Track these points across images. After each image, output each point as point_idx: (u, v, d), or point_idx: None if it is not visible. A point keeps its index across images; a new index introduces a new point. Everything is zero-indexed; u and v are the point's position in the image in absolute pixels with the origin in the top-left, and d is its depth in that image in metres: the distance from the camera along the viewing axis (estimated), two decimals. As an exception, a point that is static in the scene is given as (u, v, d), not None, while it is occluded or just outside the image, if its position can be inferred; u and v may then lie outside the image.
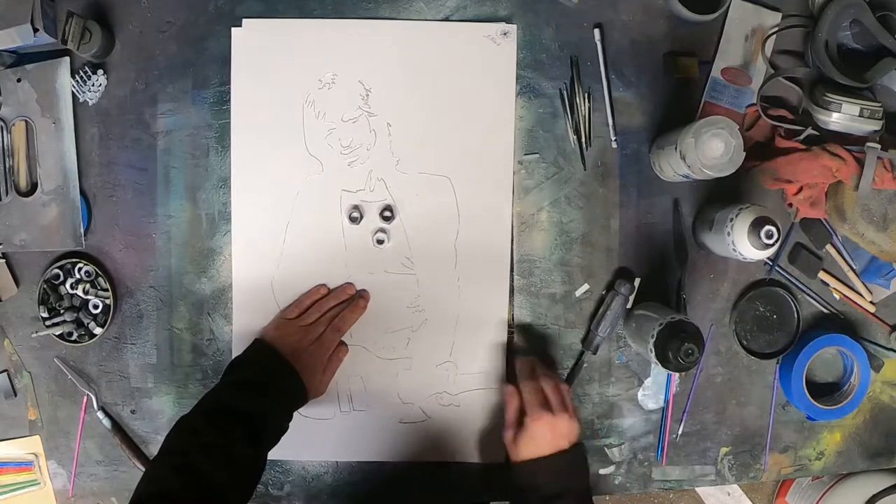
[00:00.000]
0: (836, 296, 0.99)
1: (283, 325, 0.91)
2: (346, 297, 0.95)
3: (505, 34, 0.96)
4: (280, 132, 0.96)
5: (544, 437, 0.84)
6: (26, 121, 0.95)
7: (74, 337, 0.96)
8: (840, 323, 1.00)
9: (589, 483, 0.87)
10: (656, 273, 0.97)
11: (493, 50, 0.96)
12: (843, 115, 0.91)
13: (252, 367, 0.86)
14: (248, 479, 0.81)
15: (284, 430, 0.86)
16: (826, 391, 1.00)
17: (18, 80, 0.95)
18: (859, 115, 0.90)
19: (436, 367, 0.96)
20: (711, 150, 0.83)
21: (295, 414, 0.87)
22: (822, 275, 0.98)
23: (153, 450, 0.98)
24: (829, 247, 0.98)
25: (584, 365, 0.97)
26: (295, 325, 0.91)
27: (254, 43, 0.96)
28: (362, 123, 0.96)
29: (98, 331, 0.96)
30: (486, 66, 0.96)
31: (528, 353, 0.97)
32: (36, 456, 0.99)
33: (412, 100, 0.96)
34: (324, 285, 0.96)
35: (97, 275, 0.96)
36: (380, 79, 0.96)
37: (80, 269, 0.96)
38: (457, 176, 0.96)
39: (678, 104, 0.97)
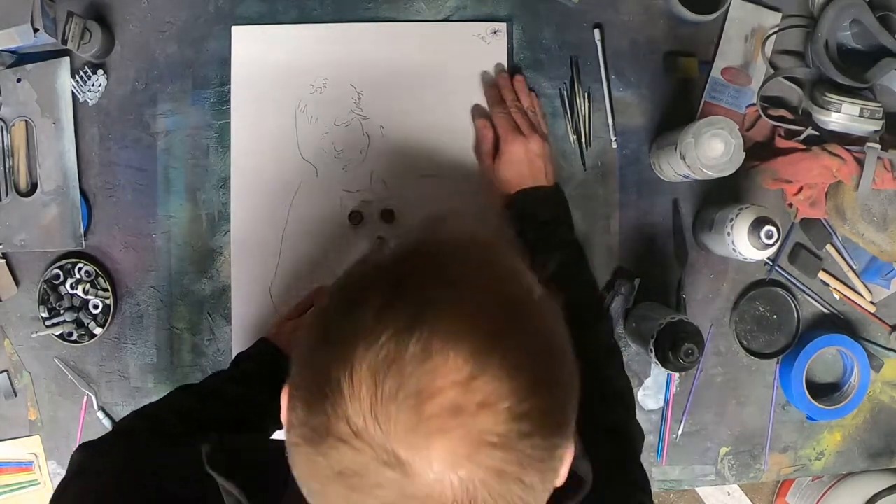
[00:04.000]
0: (836, 296, 0.99)
1: (286, 324, 0.91)
2: None
3: (495, 33, 0.96)
4: (275, 138, 0.96)
5: (520, 158, 0.89)
6: (26, 121, 0.95)
7: (74, 337, 0.96)
8: (840, 323, 1.00)
9: (572, 221, 0.92)
10: (656, 273, 0.97)
11: (484, 49, 0.96)
12: (843, 115, 0.91)
13: (254, 363, 0.86)
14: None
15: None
16: (826, 391, 1.00)
17: (18, 80, 0.94)
18: (859, 115, 0.90)
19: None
20: (711, 150, 0.83)
21: None
22: (822, 275, 0.98)
23: (153, 450, 0.98)
24: (829, 247, 0.98)
25: (584, 365, 0.97)
26: (298, 323, 0.90)
27: (250, 46, 0.96)
28: (355, 127, 0.96)
29: (98, 331, 0.96)
30: (476, 65, 0.96)
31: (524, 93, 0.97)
32: (36, 456, 0.99)
33: (404, 101, 0.96)
34: (326, 286, 0.96)
35: (97, 275, 0.96)
36: (371, 82, 0.96)
37: (80, 269, 0.96)
38: (451, 176, 0.96)
39: (678, 104, 0.97)
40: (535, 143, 0.89)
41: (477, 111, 0.96)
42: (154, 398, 0.97)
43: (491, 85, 0.96)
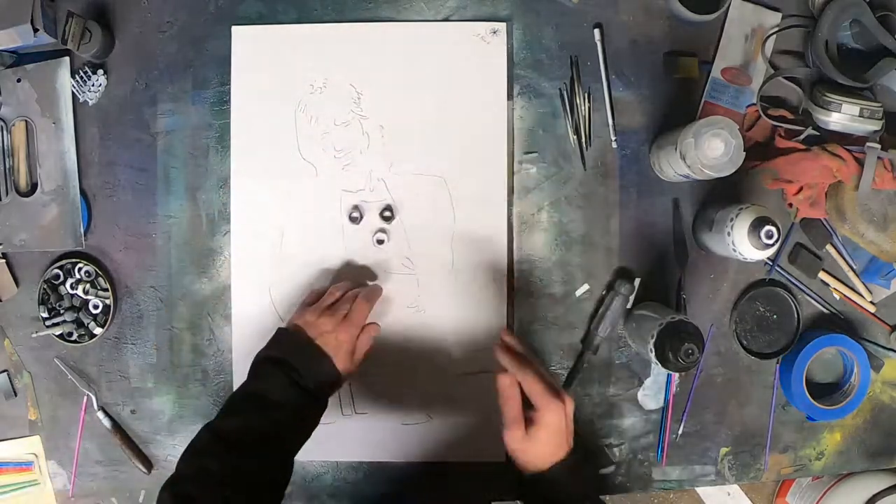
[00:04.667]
0: (836, 296, 0.99)
1: (304, 311, 0.88)
2: (357, 287, 0.93)
3: (495, 32, 0.96)
4: (275, 138, 0.96)
5: (558, 429, 0.77)
6: (26, 121, 0.95)
7: (74, 337, 0.97)
8: (840, 323, 1.00)
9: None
10: (656, 273, 0.97)
11: (484, 49, 0.96)
12: (843, 115, 0.91)
13: (267, 381, 0.81)
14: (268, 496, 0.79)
15: (316, 422, 0.83)
16: (826, 391, 0.99)
17: (18, 80, 0.95)
18: (859, 115, 0.90)
19: (437, 367, 0.96)
20: (711, 150, 0.83)
21: None
22: (822, 275, 0.98)
23: (153, 450, 0.98)
24: (829, 247, 0.98)
25: (584, 365, 0.97)
26: (317, 308, 0.87)
27: (250, 46, 0.96)
28: (354, 127, 0.96)
29: (98, 331, 0.96)
30: (476, 64, 0.96)
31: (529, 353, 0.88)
32: (36, 456, 0.99)
33: (403, 101, 0.96)
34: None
35: (97, 275, 0.96)
36: (371, 81, 0.96)
37: (80, 269, 0.96)
38: (451, 175, 0.96)
39: (678, 104, 0.97)
40: (571, 406, 0.79)
41: (498, 369, 0.82)
42: (154, 398, 0.98)
43: (504, 347, 0.84)
